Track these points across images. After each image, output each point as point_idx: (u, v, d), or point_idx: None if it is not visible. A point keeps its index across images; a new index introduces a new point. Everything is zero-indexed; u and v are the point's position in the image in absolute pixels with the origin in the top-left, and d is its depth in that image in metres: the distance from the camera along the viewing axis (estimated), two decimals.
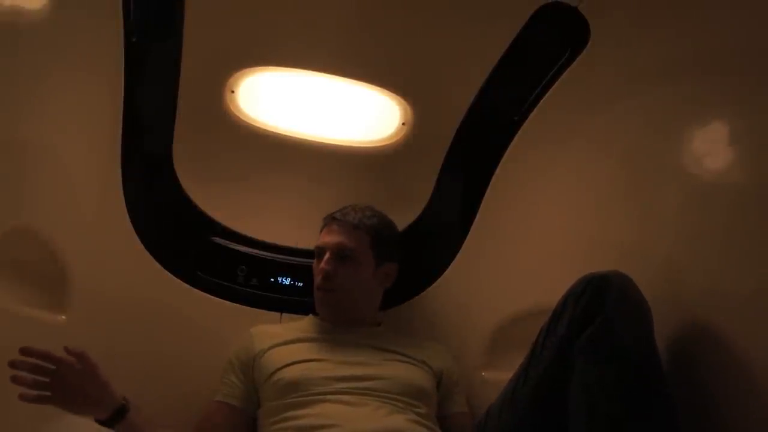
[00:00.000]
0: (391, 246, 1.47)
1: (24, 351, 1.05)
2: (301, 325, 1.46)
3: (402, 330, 1.52)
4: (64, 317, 1.41)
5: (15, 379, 1.04)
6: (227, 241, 1.60)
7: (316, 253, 1.44)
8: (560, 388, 0.98)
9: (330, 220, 1.45)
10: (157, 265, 1.50)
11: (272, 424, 1.23)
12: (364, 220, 1.44)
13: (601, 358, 0.94)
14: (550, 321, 1.05)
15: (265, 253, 1.61)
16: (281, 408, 1.23)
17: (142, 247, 1.48)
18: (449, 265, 1.59)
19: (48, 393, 1.07)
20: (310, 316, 1.49)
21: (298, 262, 1.60)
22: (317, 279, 1.41)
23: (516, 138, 1.45)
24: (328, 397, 1.21)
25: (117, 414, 1.12)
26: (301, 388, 1.24)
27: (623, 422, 0.90)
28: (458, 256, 1.58)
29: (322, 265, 1.40)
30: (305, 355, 1.32)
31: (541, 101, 1.38)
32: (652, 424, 0.90)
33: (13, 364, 1.05)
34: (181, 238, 1.58)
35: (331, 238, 1.42)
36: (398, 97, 1.46)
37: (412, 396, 1.26)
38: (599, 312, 0.96)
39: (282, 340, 1.37)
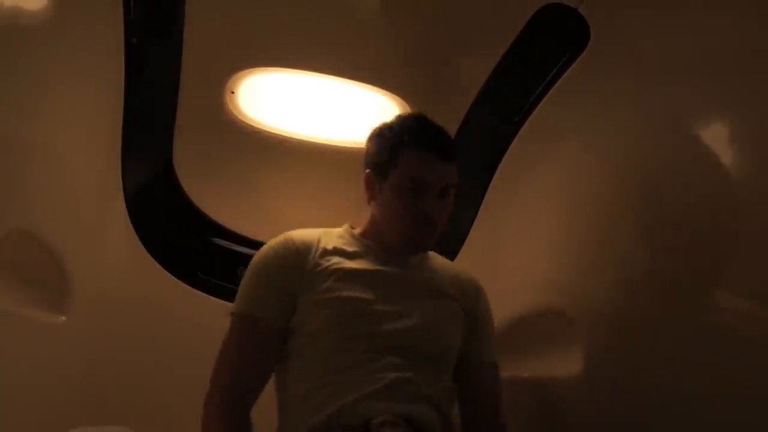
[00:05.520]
0: None
1: None
2: (344, 239, 1.24)
3: None
4: (64, 318, 1.41)
5: None
6: (227, 242, 1.60)
7: (410, 186, 1.16)
8: None
9: (433, 147, 1.18)
10: (157, 266, 1.50)
11: (298, 368, 1.12)
12: (456, 145, 1.23)
13: None
14: None
15: None
16: (315, 356, 1.10)
17: (142, 247, 1.49)
18: None
19: None
20: (347, 227, 1.28)
21: None
22: (418, 219, 1.17)
23: (516, 139, 1.45)
24: (370, 355, 1.09)
25: None
26: (344, 336, 1.10)
27: None
28: (458, 257, 1.58)
29: (430, 207, 1.16)
30: (358, 291, 1.14)
31: (541, 102, 1.38)
32: None
33: None
34: (181, 238, 1.58)
35: (437, 172, 1.17)
36: (398, 98, 1.46)
37: (447, 365, 1.17)
38: None
39: (335, 255, 1.19)
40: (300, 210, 1.61)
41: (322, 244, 1.20)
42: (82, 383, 1.39)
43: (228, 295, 1.56)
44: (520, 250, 1.47)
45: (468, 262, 1.57)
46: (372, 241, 1.24)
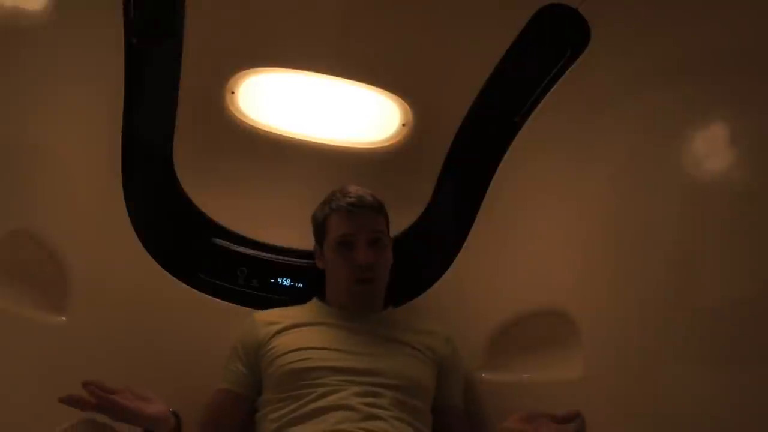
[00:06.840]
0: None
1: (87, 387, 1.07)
2: (306, 309, 1.44)
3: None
4: (64, 318, 1.40)
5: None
6: (227, 243, 1.60)
7: (338, 244, 1.37)
8: None
9: (348, 207, 1.36)
10: (158, 267, 1.50)
11: (271, 412, 1.25)
12: (377, 200, 1.41)
13: None
14: None
15: (265, 254, 1.61)
16: (281, 398, 1.25)
17: (142, 248, 1.48)
18: (449, 267, 1.59)
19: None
20: (315, 300, 1.47)
21: (298, 263, 1.60)
22: (354, 271, 1.35)
23: (516, 139, 1.45)
24: (328, 389, 1.21)
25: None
26: (302, 377, 1.24)
27: None
28: (458, 257, 1.58)
29: (361, 256, 1.33)
30: (309, 343, 1.31)
31: (541, 102, 1.38)
32: None
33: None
34: (182, 239, 1.58)
35: (358, 225, 1.36)
36: (398, 98, 1.46)
37: (411, 393, 1.26)
38: None
39: (287, 325, 1.36)
40: (300, 210, 1.61)
41: (281, 318, 1.38)
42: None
43: (228, 296, 1.56)
44: (520, 250, 1.47)
45: (468, 263, 1.57)
46: (334, 306, 1.42)
